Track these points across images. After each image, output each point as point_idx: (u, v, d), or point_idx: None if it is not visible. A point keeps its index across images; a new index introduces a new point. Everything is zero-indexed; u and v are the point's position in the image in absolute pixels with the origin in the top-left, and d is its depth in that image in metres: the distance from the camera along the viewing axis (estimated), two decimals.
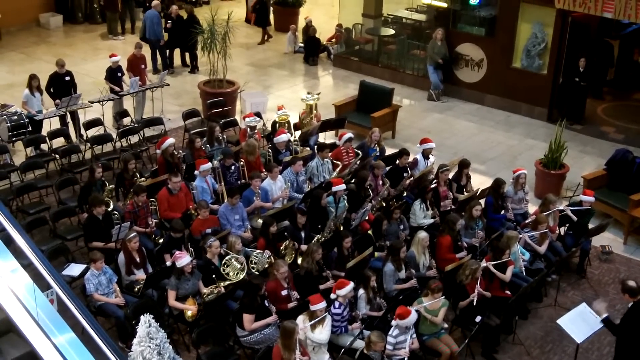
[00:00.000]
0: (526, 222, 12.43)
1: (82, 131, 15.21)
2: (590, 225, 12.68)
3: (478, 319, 9.77)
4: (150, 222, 11.74)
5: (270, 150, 14.13)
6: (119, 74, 16.32)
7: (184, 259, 10.22)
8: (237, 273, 10.58)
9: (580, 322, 9.51)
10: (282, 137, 13.93)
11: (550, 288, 11.86)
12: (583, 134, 17.08)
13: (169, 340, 7.71)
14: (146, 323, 7.44)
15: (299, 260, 11.16)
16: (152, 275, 10.60)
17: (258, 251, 11.04)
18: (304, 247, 11.34)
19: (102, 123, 15.21)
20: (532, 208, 13.17)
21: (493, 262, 10.77)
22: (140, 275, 10.66)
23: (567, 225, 12.60)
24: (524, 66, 17.99)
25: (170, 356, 7.47)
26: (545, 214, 12.07)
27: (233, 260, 10.60)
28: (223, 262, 10.61)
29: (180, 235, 11.16)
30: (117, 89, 16.12)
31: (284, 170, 13.20)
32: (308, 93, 16.12)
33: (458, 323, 10.57)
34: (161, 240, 11.51)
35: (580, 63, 17.05)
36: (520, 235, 11.67)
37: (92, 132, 15.03)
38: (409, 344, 9.33)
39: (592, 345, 9.85)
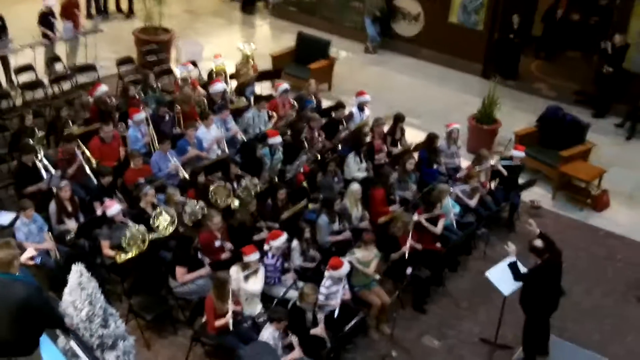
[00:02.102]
0: (458, 176, 12.62)
1: (13, 77, 14.83)
2: (521, 181, 12.95)
3: (409, 271, 9.91)
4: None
5: (204, 99, 13.96)
6: (52, 19, 15.87)
7: (113, 207, 10.13)
8: (167, 227, 10.45)
9: (507, 276, 9.72)
10: (218, 87, 13.83)
11: (479, 241, 12.10)
12: (516, 90, 17.32)
13: (101, 290, 7.66)
14: (77, 272, 7.37)
15: (234, 204, 11.16)
16: (83, 225, 10.47)
17: (192, 201, 10.99)
18: None
19: (33, 69, 14.84)
20: (464, 162, 13.37)
21: (425, 215, 10.93)
22: (71, 224, 10.52)
23: (497, 180, 12.83)
24: (461, 22, 18.10)
25: (101, 306, 7.42)
26: (477, 168, 12.28)
27: (163, 213, 10.48)
28: (153, 215, 10.47)
29: (109, 182, 11.03)
30: (50, 34, 15.69)
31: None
32: (244, 42, 15.97)
33: (389, 275, 10.72)
34: None
35: (514, 19, 17.22)
36: (452, 189, 11.85)
37: (24, 78, 14.65)
38: (340, 295, 9.45)
39: (518, 297, 10.09)
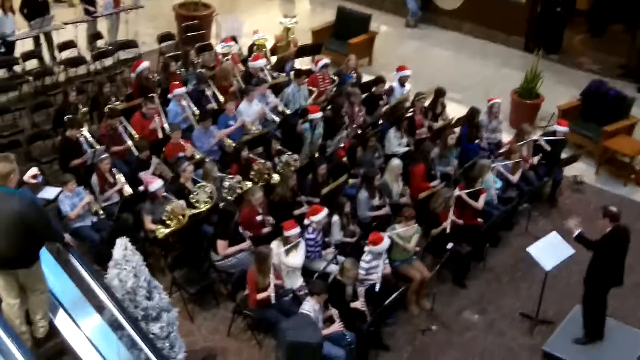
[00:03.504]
0: (500, 151, 12.53)
1: (56, 53, 14.99)
2: (563, 156, 12.81)
3: (449, 246, 9.91)
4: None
5: (238, 77, 13.95)
6: None
7: (154, 183, 10.25)
8: (206, 202, 10.56)
9: (549, 251, 9.69)
10: (259, 63, 13.81)
11: (521, 217, 12.03)
12: (559, 64, 17.08)
13: (144, 263, 7.78)
14: (122, 246, 7.49)
15: (274, 179, 11.22)
16: (126, 199, 10.62)
17: (230, 177, 11.05)
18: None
19: (75, 45, 14.99)
20: (506, 137, 13.26)
21: (466, 191, 10.89)
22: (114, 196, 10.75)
23: (540, 155, 12.70)
24: None
25: (145, 279, 7.54)
26: (519, 143, 12.18)
27: (202, 189, 10.58)
28: (192, 190, 10.59)
29: (147, 155, 11.19)
30: (92, 9, 15.81)
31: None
32: (285, 16, 15.93)
33: (430, 250, 10.74)
34: None
35: None
36: (494, 164, 11.76)
37: (66, 54, 14.81)
38: (381, 269, 9.47)
39: (560, 273, 10.04)
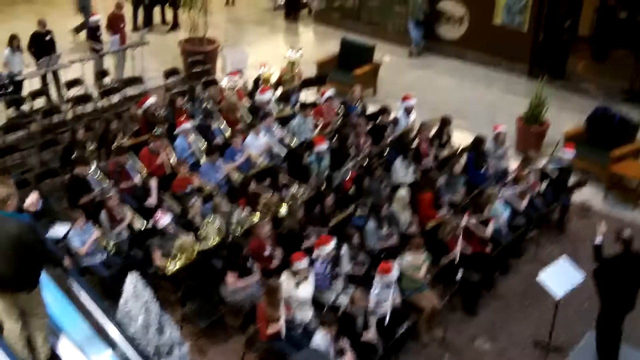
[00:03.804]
0: (507, 178, 12.54)
1: (63, 91, 15.13)
2: (570, 182, 12.82)
3: (459, 274, 9.91)
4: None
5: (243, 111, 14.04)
6: (98, 33, 16.19)
7: (164, 219, 10.29)
8: (214, 237, 10.60)
9: (559, 277, 9.66)
10: (266, 96, 13.93)
11: (530, 244, 12.03)
12: (563, 90, 17.14)
13: (155, 298, 7.80)
14: (133, 282, 7.52)
15: (282, 210, 11.27)
16: (135, 235, 10.67)
17: (239, 210, 11.08)
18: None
19: (82, 83, 15.13)
20: (512, 164, 13.28)
21: (474, 219, 10.89)
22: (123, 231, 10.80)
23: (547, 181, 12.73)
24: (505, 22, 18.00)
25: (157, 313, 7.57)
26: (525, 170, 12.20)
27: (211, 223, 10.63)
28: (202, 224, 10.62)
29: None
30: (98, 46, 15.99)
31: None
32: (291, 48, 16.06)
33: (440, 279, 10.71)
34: None
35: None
36: (501, 192, 11.78)
37: (73, 91, 14.95)
38: (391, 300, 9.47)
39: (571, 299, 10.01)
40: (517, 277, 11.46)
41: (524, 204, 11.91)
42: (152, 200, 11.31)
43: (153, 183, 11.46)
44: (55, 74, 15.41)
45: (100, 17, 16.26)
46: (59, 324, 7.81)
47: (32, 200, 7.51)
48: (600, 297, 9.45)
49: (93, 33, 16.10)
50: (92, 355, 7.71)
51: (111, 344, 7.65)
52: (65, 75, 15.38)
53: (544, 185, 12.70)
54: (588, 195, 13.31)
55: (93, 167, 11.72)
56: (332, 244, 9.93)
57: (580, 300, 10.47)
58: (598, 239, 9.39)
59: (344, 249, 10.30)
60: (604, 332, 9.60)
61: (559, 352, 9.99)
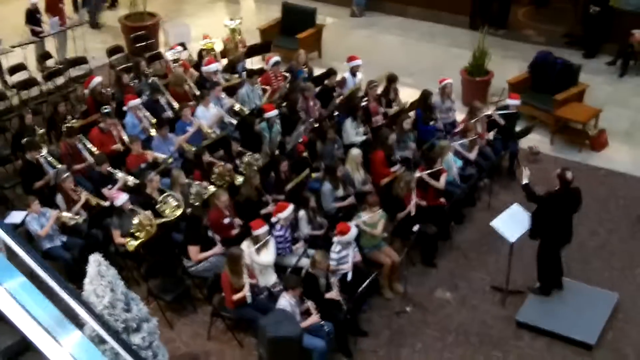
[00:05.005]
0: (455, 130, 12.74)
1: (7, 77, 14.93)
2: (518, 129, 13.06)
3: (416, 228, 10.09)
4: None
5: (190, 82, 13.99)
6: (38, 15, 15.96)
7: (120, 197, 10.31)
8: (173, 210, 10.67)
9: (512, 223, 9.92)
10: (212, 67, 13.89)
11: (483, 192, 12.29)
12: (506, 39, 17.33)
13: (119, 276, 7.85)
14: (96, 262, 7.55)
15: (238, 180, 11.34)
16: (93, 216, 10.68)
17: (196, 183, 11.15)
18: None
19: (25, 67, 14.94)
20: (460, 116, 13.46)
21: (427, 172, 11.08)
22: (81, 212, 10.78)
23: (495, 130, 12.94)
24: None
25: (122, 292, 7.61)
26: (473, 121, 12.39)
27: (169, 198, 10.68)
28: (159, 200, 10.67)
29: (107, 169, 11.26)
30: (38, 29, 15.78)
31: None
32: (230, 19, 16.00)
33: (397, 234, 10.90)
34: None
35: None
36: (451, 144, 11.97)
37: (17, 77, 14.76)
38: (351, 258, 9.65)
39: (525, 244, 10.26)
40: (472, 226, 11.72)
41: (474, 154, 12.12)
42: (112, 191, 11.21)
43: (120, 175, 11.33)
44: None
45: None
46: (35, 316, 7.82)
47: None
48: (539, 234, 9.83)
49: (32, 16, 15.84)
50: (62, 337, 7.74)
51: (79, 324, 7.69)
52: (7, 62, 15.16)
53: (492, 134, 12.93)
54: (536, 140, 13.55)
55: (44, 151, 11.67)
56: (290, 209, 10.06)
57: (534, 243, 10.73)
58: (524, 180, 9.88)
59: (302, 213, 10.43)
60: (545, 265, 10.03)
61: (518, 295, 10.27)
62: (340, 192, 11.14)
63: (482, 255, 11.12)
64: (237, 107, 13.20)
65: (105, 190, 11.09)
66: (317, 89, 13.72)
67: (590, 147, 13.52)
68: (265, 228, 9.78)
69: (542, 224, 9.75)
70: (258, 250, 9.70)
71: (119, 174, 11.25)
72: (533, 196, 9.83)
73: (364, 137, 12.59)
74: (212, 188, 11.02)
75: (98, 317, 7.34)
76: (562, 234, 9.85)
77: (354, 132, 12.60)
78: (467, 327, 9.91)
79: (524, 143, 13.26)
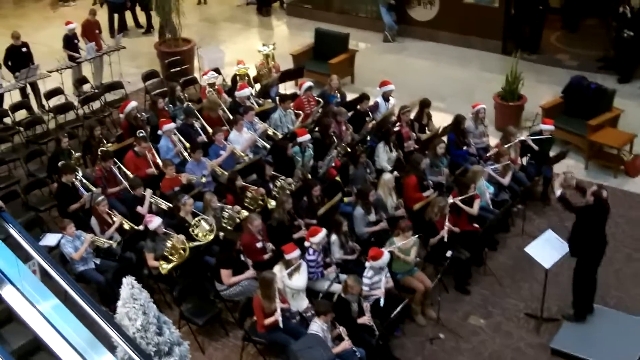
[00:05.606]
0: (488, 155, 12.67)
1: (44, 101, 15.17)
2: (551, 154, 12.97)
3: (449, 253, 10.03)
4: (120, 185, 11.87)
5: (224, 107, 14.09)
6: (76, 41, 16.23)
7: (154, 221, 10.38)
8: (206, 234, 10.71)
9: (547, 248, 9.83)
10: (245, 92, 14.02)
11: (516, 218, 12.18)
12: (538, 63, 17.29)
13: (151, 300, 7.88)
14: (129, 285, 7.58)
15: (270, 204, 11.37)
16: (127, 238, 10.76)
17: (229, 207, 11.20)
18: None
19: (62, 92, 15.17)
20: (493, 141, 13.41)
21: (460, 197, 11.03)
22: (115, 235, 10.87)
23: (528, 155, 12.88)
24: (476, 0, 18.09)
25: (154, 315, 7.62)
26: (506, 146, 12.34)
27: (202, 221, 10.74)
28: (192, 223, 10.73)
29: (141, 193, 11.37)
30: (75, 55, 16.04)
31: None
32: (263, 44, 16.14)
33: (430, 259, 10.86)
34: None
35: None
36: (484, 169, 11.92)
37: (54, 101, 15.01)
38: (384, 284, 9.61)
39: (560, 269, 10.18)
40: (506, 252, 11.61)
41: (507, 179, 12.05)
42: (143, 210, 11.33)
43: (148, 193, 11.48)
44: (34, 86, 15.45)
45: (75, 25, 16.27)
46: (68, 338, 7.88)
47: None
48: (578, 249, 9.72)
49: (70, 42, 16.11)
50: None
51: (112, 347, 7.73)
52: (45, 86, 15.41)
53: (525, 159, 12.84)
54: (570, 166, 13.39)
55: (80, 174, 11.81)
56: (323, 233, 10.05)
57: (569, 268, 10.62)
58: (559, 192, 9.88)
59: (334, 237, 10.42)
60: (581, 285, 9.89)
61: (553, 322, 10.15)
62: (372, 216, 11.11)
63: (516, 282, 11.00)
64: (270, 131, 13.27)
65: (139, 208, 11.21)
66: (350, 114, 13.76)
67: (626, 172, 13.38)
68: (298, 252, 9.77)
69: (580, 236, 9.64)
70: (290, 275, 9.69)
71: (149, 197, 11.36)
72: (570, 206, 9.79)
73: (396, 163, 12.55)
74: (244, 212, 11.06)
75: (130, 341, 7.42)
76: (598, 245, 9.73)
77: (386, 156, 12.59)
78: (500, 355, 9.79)
79: (558, 168, 13.14)
